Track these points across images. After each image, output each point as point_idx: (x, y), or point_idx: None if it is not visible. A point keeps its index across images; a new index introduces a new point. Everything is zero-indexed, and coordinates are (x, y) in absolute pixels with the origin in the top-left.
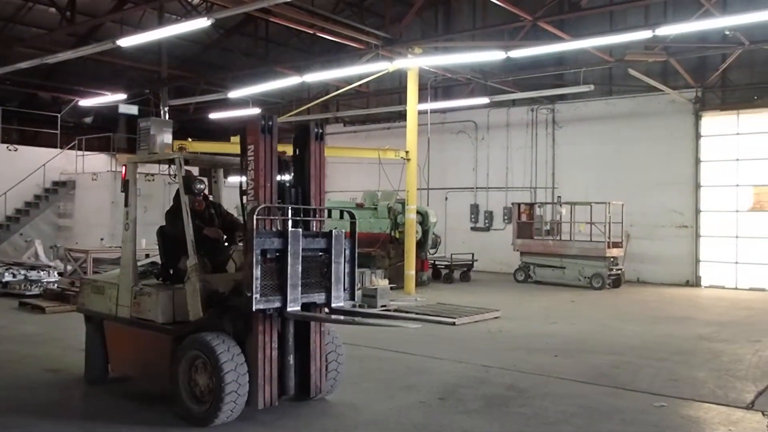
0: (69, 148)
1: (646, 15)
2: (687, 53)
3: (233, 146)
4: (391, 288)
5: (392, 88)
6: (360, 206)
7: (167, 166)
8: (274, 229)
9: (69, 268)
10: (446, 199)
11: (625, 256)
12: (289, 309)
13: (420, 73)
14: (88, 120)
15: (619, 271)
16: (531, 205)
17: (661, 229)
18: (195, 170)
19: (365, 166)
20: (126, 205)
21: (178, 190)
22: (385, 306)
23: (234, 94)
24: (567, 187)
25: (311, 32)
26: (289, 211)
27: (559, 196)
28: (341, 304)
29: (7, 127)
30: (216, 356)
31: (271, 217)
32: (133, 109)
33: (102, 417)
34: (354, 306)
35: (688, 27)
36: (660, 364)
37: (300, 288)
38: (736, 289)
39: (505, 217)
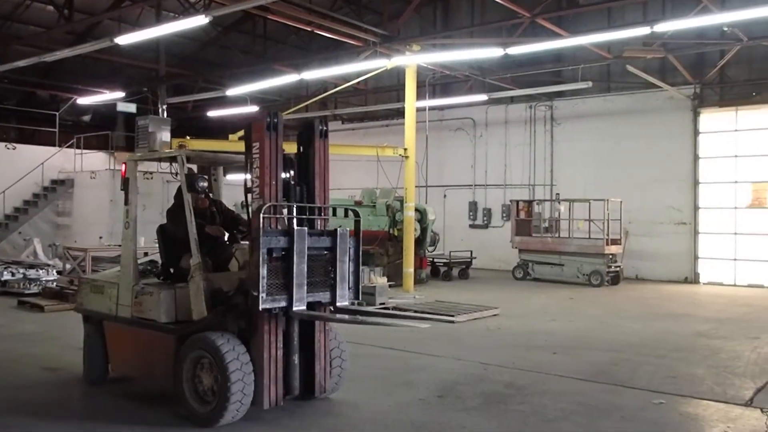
0: (67, 147)
1: (645, 11)
2: (685, 50)
3: (232, 144)
4: (390, 286)
5: (390, 86)
6: (358, 204)
7: (167, 164)
8: (279, 228)
9: (68, 266)
10: (445, 196)
11: (623, 253)
12: (294, 308)
13: (418, 71)
14: (86, 118)
15: (618, 268)
16: (529, 203)
17: (660, 226)
18: (193, 168)
19: (363, 163)
20: (126, 203)
21: (179, 188)
22: (383, 303)
23: (232, 91)
24: (565, 184)
25: (309, 30)
26: (294, 210)
27: (558, 194)
28: (346, 303)
29: (5, 126)
30: (221, 356)
31: (277, 216)
32: (132, 107)
33: (102, 417)
34: (357, 305)
35: (686, 23)
36: (659, 361)
37: (305, 287)
38: (734, 285)
39: (504, 215)
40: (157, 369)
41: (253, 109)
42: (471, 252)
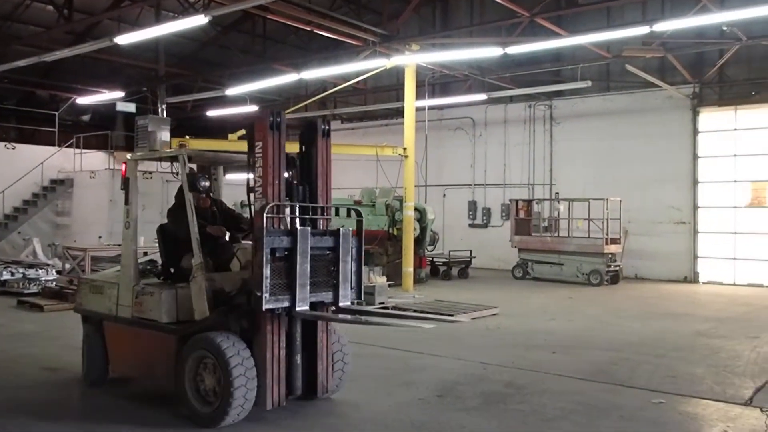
0: (67, 146)
1: (644, 11)
2: (684, 49)
3: (231, 143)
4: (389, 285)
5: (390, 85)
6: (358, 203)
7: (167, 163)
8: (282, 228)
9: (67, 266)
10: (444, 196)
11: (623, 253)
12: (297, 308)
13: (417, 70)
14: (85, 118)
15: (617, 268)
16: (529, 202)
17: (659, 225)
18: (193, 167)
19: (363, 163)
20: (126, 203)
21: (180, 188)
22: (382, 303)
23: (231, 91)
24: (565, 183)
25: (309, 29)
26: (297, 209)
27: (557, 193)
28: (348, 303)
29: (5, 126)
30: (224, 356)
31: (280, 216)
32: (131, 107)
33: (102, 417)
34: (357, 304)
35: (685, 23)
36: (658, 360)
37: (308, 287)
38: (734, 285)
39: (503, 214)
40: (158, 369)
41: (253, 108)
42: (470, 251)
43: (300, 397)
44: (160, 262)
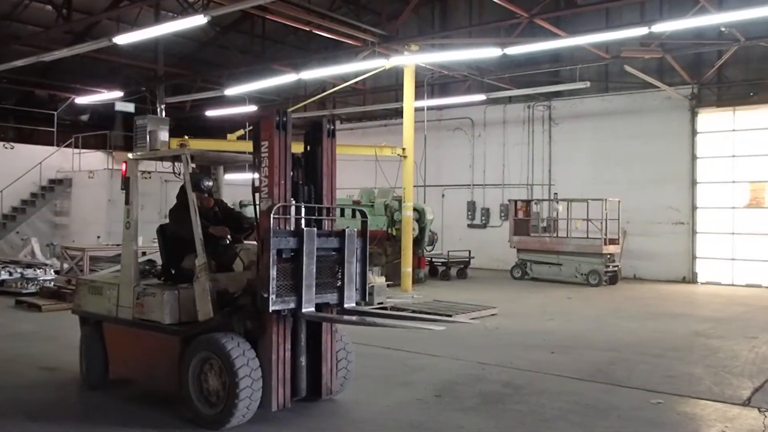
0: (65, 146)
1: (642, 11)
2: (683, 50)
3: (230, 143)
4: (388, 285)
5: (389, 86)
6: (357, 203)
7: (166, 163)
8: (288, 229)
9: (65, 266)
10: (443, 196)
11: (621, 253)
12: (304, 310)
13: (416, 70)
14: (84, 118)
15: (616, 268)
16: (528, 202)
17: (658, 225)
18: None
19: (362, 163)
20: (127, 203)
21: (181, 188)
22: (381, 303)
23: (230, 91)
24: (563, 183)
25: (308, 29)
26: (303, 210)
27: (556, 193)
28: (353, 304)
29: (4, 125)
30: (229, 358)
31: (286, 216)
32: (130, 107)
33: (102, 418)
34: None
35: (683, 23)
36: (656, 360)
37: (314, 288)
38: (732, 285)
39: (502, 214)
40: (160, 371)
41: (252, 108)
42: (469, 252)
43: (304, 398)
44: (158, 262)
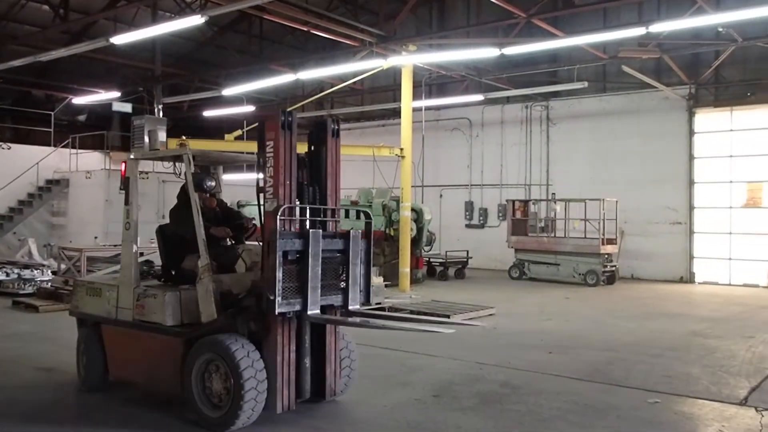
0: (63, 146)
1: (640, 12)
2: (680, 50)
3: (228, 144)
4: (386, 285)
5: (387, 86)
6: (355, 204)
7: (164, 163)
8: (293, 230)
9: (63, 266)
10: (441, 196)
11: (619, 253)
12: (309, 312)
13: (414, 71)
14: (81, 118)
15: (614, 268)
16: (525, 202)
17: (655, 225)
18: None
19: (360, 163)
20: (126, 203)
21: (182, 188)
22: (379, 303)
23: (228, 91)
24: (561, 183)
25: (305, 29)
26: (308, 211)
27: (554, 193)
28: (358, 306)
29: (1, 126)
30: (234, 360)
31: (292, 218)
32: (127, 107)
33: (100, 419)
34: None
35: (681, 24)
36: (654, 360)
37: (319, 290)
38: (729, 285)
39: (500, 214)
40: (161, 373)
41: (250, 108)
42: (467, 252)
43: (307, 399)
44: (156, 263)
